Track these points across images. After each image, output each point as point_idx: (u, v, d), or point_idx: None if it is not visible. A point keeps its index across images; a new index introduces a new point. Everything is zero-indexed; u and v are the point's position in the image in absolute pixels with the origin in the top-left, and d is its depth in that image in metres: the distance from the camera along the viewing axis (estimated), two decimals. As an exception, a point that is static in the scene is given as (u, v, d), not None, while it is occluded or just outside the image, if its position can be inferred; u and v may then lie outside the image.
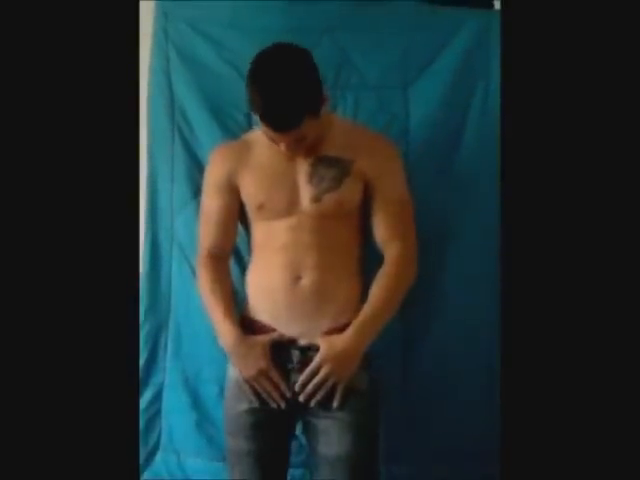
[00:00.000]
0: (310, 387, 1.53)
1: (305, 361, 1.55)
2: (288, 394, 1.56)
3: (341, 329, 1.56)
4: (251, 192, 1.63)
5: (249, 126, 1.89)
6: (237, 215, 1.68)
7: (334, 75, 1.88)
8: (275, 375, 1.55)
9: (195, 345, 1.93)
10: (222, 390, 1.87)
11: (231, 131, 1.89)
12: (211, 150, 1.88)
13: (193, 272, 1.90)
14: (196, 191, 1.91)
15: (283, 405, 1.56)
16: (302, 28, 1.81)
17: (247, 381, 1.57)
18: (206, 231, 1.69)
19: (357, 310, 1.58)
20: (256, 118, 1.51)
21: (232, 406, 1.63)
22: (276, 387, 1.56)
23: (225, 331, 1.60)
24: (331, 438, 1.55)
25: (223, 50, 1.89)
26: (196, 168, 1.91)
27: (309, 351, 1.56)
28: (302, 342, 1.57)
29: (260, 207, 1.61)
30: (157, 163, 1.94)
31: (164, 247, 1.95)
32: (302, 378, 1.54)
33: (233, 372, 1.63)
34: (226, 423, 1.65)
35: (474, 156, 1.84)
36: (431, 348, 1.87)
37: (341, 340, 1.53)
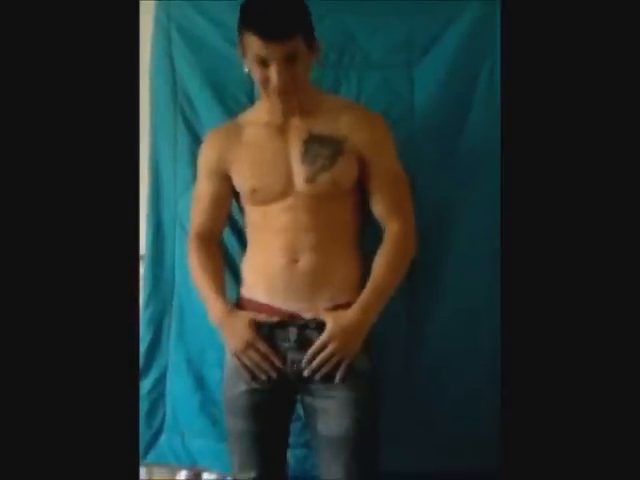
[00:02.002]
0: (316, 363, 1.53)
1: (302, 340, 1.55)
2: (278, 363, 1.56)
3: (342, 307, 1.56)
4: (242, 177, 1.63)
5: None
6: (228, 199, 1.69)
7: (338, 55, 1.85)
8: (262, 346, 1.55)
9: (198, 327, 1.92)
10: None
11: (234, 112, 1.86)
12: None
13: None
14: (198, 173, 1.91)
15: (274, 375, 1.55)
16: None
17: (236, 355, 1.58)
18: (196, 214, 1.71)
19: (356, 289, 1.58)
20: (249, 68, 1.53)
21: (230, 387, 1.63)
22: (265, 358, 1.55)
23: (213, 305, 1.61)
24: (330, 418, 1.54)
25: (226, 30, 1.85)
26: (198, 149, 1.90)
27: (307, 329, 1.56)
28: (306, 316, 1.56)
29: (253, 191, 1.61)
30: (160, 145, 1.94)
31: (167, 230, 1.95)
32: (309, 353, 1.53)
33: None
34: (225, 404, 1.66)
35: (480, 134, 1.81)
36: (434, 330, 1.85)
37: (347, 316, 1.53)
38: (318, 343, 1.53)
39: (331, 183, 1.56)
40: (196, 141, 1.90)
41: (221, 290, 1.63)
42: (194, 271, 1.67)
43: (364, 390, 1.56)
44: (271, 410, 1.61)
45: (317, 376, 1.54)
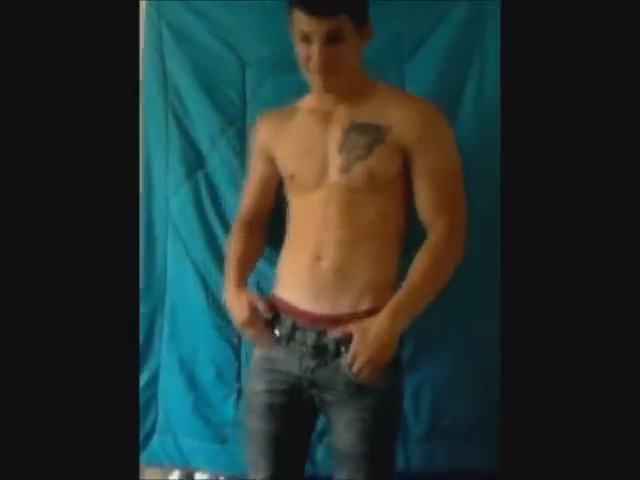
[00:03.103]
0: (352, 374, 1.45)
1: (319, 346, 1.49)
2: (273, 339, 1.55)
3: (363, 315, 1.48)
4: (283, 162, 1.60)
5: (243, 105, 1.87)
6: (275, 183, 1.67)
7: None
8: (258, 327, 1.56)
9: (191, 327, 1.93)
10: (218, 372, 1.91)
11: (225, 111, 1.87)
12: (205, 130, 1.89)
13: (188, 254, 1.92)
14: (190, 172, 1.90)
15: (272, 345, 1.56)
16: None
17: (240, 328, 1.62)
18: (245, 195, 1.73)
19: (385, 293, 1.48)
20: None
21: (250, 385, 1.61)
22: (262, 334, 1.57)
23: (226, 284, 1.63)
24: (338, 432, 1.51)
25: (217, 28, 1.86)
26: (190, 148, 1.90)
27: (325, 336, 1.49)
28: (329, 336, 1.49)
29: (291, 178, 1.58)
30: (151, 143, 1.92)
31: (159, 229, 1.94)
32: (345, 365, 1.46)
33: (256, 352, 1.63)
34: (245, 401, 1.64)
35: (471, 131, 1.81)
36: (432, 332, 1.81)
37: (374, 326, 1.43)
38: (348, 358, 1.44)
39: (366, 174, 1.48)
40: (187, 141, 1.90)
41: (240, 270, 1.64)
42: (230, 249, 1.70)
43: (374, 408, 1.48)
44: (289, 412, 1.56)
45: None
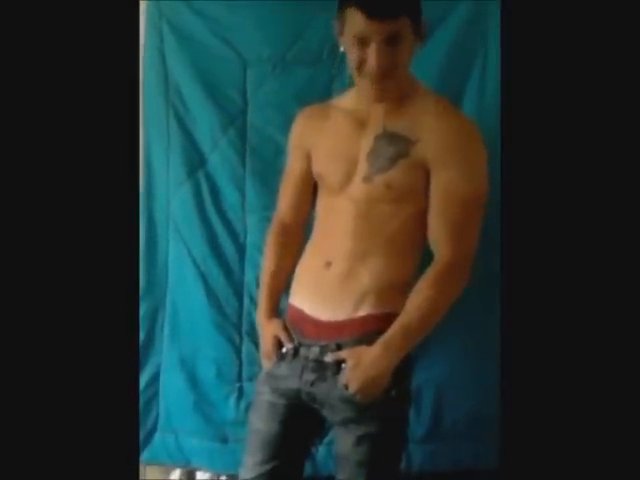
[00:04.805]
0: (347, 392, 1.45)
1: (320, 361, 1.48)
2: (279, 356, 1.53)
3: (377, 317, 1.47)
4: (316, 160, 1.57)
5: (244, 104, 1.87)
6: (313, 183, 1.61)
7: (330, 50, 1.84)
8: (277, 354, 1.54)
9: (192, 326, 1.93)
10: (219, 370, 1.91)
11: (226, 109, 1.87)
12: (206, 129, 1.89)
13: (189, 252, 1.92)
14: (191, 171, 1.90)
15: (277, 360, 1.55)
16: (299, 2, 1.78)
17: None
18: (282, 194, 1.67)
19: (394, 297, 1.47)
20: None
21: (259, 385, 1.60)
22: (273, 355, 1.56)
23: (259, 307, 1.63)
24: (338, 435, 1.52)
25: (218, 27, 1.86)
26: (191, 147, 1.89)
27: (328, 351, 1.47)
28: (327, 359, 1.47)
29: (319, 177, 1.56)
30: (152, 142, 1.92)
31: (160, 227, 1.94)
32: (342, 384, 1.45)
33: (264, 367, 1.62)
34: (254, 397, 1.63)
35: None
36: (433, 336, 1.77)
37: (368, 354, 1.42)
38: (343, 381, 1.44)
39: (384, 186, 1.44)
40: (188, 140, 1.90)
41: (271, 295, 1.62)
42: (264, 261, 1.67)
43: (372, 418, 1.46)
44: (290, 416, 1.54)
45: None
